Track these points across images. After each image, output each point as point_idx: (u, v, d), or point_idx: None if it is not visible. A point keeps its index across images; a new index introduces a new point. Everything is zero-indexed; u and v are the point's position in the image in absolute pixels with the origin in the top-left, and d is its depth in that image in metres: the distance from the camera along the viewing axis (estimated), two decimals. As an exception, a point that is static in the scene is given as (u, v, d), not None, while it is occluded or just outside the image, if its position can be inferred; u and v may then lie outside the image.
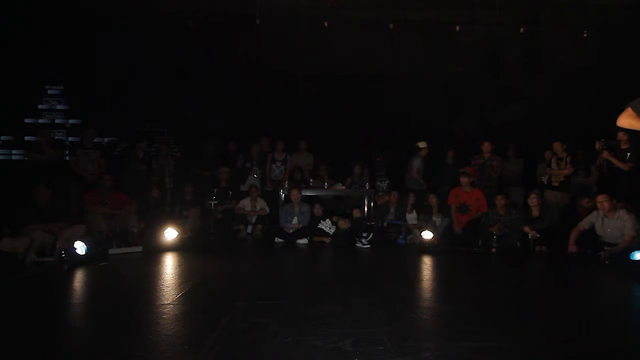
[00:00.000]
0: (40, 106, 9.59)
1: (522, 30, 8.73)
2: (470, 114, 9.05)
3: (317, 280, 4.64)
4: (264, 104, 8.85)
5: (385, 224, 7.06)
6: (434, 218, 6.99)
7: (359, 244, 6.31)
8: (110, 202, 6.24)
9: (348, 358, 2.40)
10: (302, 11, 8.52)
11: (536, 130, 8.64)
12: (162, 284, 4.10)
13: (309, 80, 9.09)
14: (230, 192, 7.51)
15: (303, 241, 6.55)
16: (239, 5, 8.39)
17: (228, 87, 8.91)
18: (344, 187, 7.82)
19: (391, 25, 8.62)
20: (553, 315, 3.32)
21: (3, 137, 9.38)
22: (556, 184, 6.88)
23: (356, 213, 7.20)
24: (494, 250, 6.13)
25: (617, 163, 6.11)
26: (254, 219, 7.24)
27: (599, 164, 6.70)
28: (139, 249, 5.57)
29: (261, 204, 7.36)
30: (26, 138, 9.17)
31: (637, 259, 4.79)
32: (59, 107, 9.65)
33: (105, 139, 9.33)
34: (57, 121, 9.61)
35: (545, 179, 7.10)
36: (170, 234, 5.87)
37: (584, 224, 5.73)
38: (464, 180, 6.96)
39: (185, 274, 4.57)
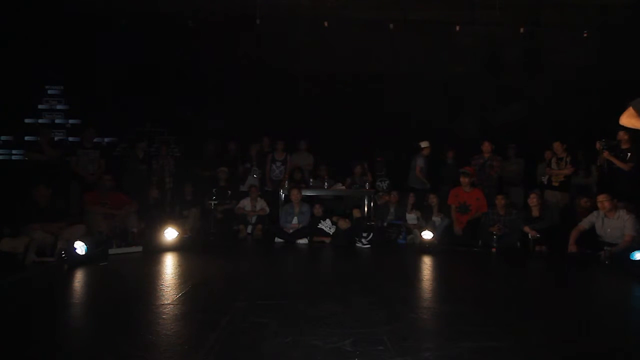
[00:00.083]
0: (40, 106, 9.58)
1: (522, 30, 8.74)
2: (470, 114, 9.05)
3: (317, 280, 4.64)
4: (264, 104, 8.85)
5: (385, 224, 7.05)
6: (434, 218, 6.98)
7: (359, 244, 6.31)
8: (110, 202, 6.24)
9: (348, 358, 2.40)
10: (302, 11, 8.52)
11: (536, 130, 8.63)
12: (162, 284, 4.10)
13: (309, 80, 9.09)
14: (230, 192, 7.50)
15: (303, 241, 6.55)
16: (239, 5, 8.39)
17: (228, 87, 8.91)
18: (344, 187, 7.82)
19: (391, 25, 8.62)
20: (553, 315, 3.32)
21: (3, 137, 9.38)
22: (556, 184, 6.88)
23: (356, 213, 7.20)
24: (494, 250, 6.13)
25: (617, 163, 6.11)
26: (254, 219, 7.24)
27: (600, 164, 6.70)
28: (139, 249, 5.57)
29: (261, 204, 7.36)
30: (26, 138, 9.17)
31: (637, 259, 4.79)
32: (59, 107, 9.65)
33: (105, 139, 9.33)
34: (57, 121, 9.60)
35: (545, 179, 7.10)
36: (170, 234, 5.87)
37: (584, 224, 5.73)
38: (464, 180, 6.96)
39: (185, 274, 4.57)
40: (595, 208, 5.75)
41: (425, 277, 4.82)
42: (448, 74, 9.05)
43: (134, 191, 6.91)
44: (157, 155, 7.99)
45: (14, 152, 9.33)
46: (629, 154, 6.07)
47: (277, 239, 6.61)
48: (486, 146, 7.48)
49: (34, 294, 3.92)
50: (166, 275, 4.57)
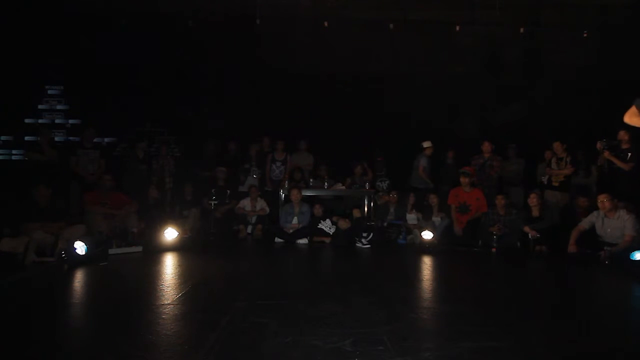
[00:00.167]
0: (40, 106, 9.59)
1: (522, 30, 8.74)
2: (470, 114, 9.05)
3: (317, 280, 4.64)
4: (264, 104, 8.85)
5: (385, 224, 7.05)
6: (434, 218, 6.98)
7: (359, 244, 6.31)
8: (110, 202, 6.25)
9: (348, 358, 2.40)
10: (302, 11, 8.52)
11: (536, 130, 8.63)
12: (162, 284, 4.10)
13: (309, 80, 9.09)
14: (228, 191, 7.50)
15: (303, 241, 6.55)
16: (239, 5, 8.40)
17: (228, 87, 8.91)
18: (344, 187, 7.82)
19: (391, 25, 8.62)
20: (553, 315, 3.32)
21: (3, 137, 9.39)
22: (556, 184, 6.88)
23: (356, 213, 7.20)
24: (494, 250, 6.13)
25: (618, 163, 6.10)
26: (254, 219, 7.24)
27: (600, 163, 6.70)
28: (139, 249, 5.57)
29: (261, 204, 7.36)
30: (26, 138, 9.18)
31: (637, 259, 4.79)
32: (59, 107, 9.65)
33: (105, 139, 9.33)
34: (57, 121, 9.61)
35: (545, 179, 7.10)
36: (170, 234, 5.87)
37: (584, 223, 5.72)
38: (464, 180, 6.96)
39: (185, 274, 4.57)
40: (594, 208, 5.75)
41: (425, 277, 4.82)
42: (448, 74, 9.05)
43: (134, 191, 6.90)
44: (157, 155, 7.99)
45: (14, 152, 9.33)
46: (629, 153, 6.07)
47: (277, 239, 6.61)
48: (486, 146, 7.48)
49: (34, 294, 3.92)
50: (166, 275, 4.57)
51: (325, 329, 2.80)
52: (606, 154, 6.19)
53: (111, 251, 5.31)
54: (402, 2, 8.64)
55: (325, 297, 3.61)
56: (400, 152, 8.39)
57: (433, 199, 7.10)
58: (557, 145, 6.87)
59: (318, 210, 6.86)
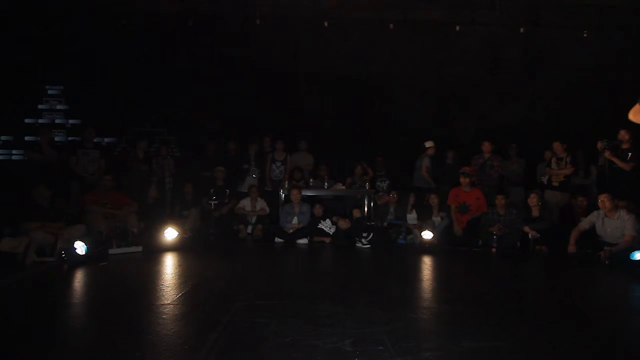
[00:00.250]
0: (40, 106, 9.58)
1: (522, 30, 8.73)
2: (470, 114, 9.05)
3: (317, 280, 4.65)
4: (264, 104, 8.85)
5: (385, 224, 7.05)
6: (434, 218, 6.98)
7: (359, 244, 6.31)
8: (110, 202, 6.24)
9: (348, 358, 2.40)
10: (302, 11, 8.52)
11: (536, 130, 8.63)
12: (162, 284, 4.10)
13: (309, 80, 9.09)
14: (227, 191, 7.50)
15: (303, 241, 6.55)
16: (239, 5, 8.39)
17: (228, 87, 8.91)
18: (344, 187, 7.82)
19: (391, 25, 8.62)
20: (553, 315, 3.32)
21: (3, 137, 9.38)
22: (556, 184, 6.88)
23: (356, 213, 7.20)
24: (494, 250, 6.13)
25: (619, 163, 6.10)
26: (254, 219, 7.23)
27: (601, 164, 6.69)
28: (139, 249, 5.57)
29: (261, 204, 7.36)
30: (26, 138, 9.17)
31: (637, 259, 4.79)
32: (59, 107, 9.64)
33: (105, 139, 9.33)
34: (57, 121, 9.60)
35: (545, 179, 7.10)
36: (170, 234, 5.87)
37: (585, 223, 5.72)
38: (464, 180, 6.96)
39: (185, 274, 4.57)
40: (593, 207, 5.75)
41: (425, 277, 4.82)
42: (448, 74, 9.05)
43: (134, 191, 6.90)
44: (157, 155, 7.99)
45: (14, 152, 9.32)
46: (630, 153, 6.07)
47: (277, 239, 6.61)
48: (486, 146, 7.48)
49: (34, 294, 3.92)
50: (166, 275, 4.57)
51: (325, 329, 2.80)
52: (607, 154, 6.19)
53: (111, 251, 5.32)
54: (402, 2, 8.63)
55: (325, 297, 3.61)
56: (400, 152, 8.39)
57: (433, 199, 7.10)
58: (557, 145, 6.87)
59: (318, 210, 6.86)
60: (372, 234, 6.35)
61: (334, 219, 6.74)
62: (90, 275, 4.43)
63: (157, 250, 5.60)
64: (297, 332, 2.74)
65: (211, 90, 8.97)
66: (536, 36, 8.92)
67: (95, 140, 7.59)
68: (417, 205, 7.22)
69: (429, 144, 7.80)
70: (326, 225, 6.72)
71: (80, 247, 4.77)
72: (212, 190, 7.28)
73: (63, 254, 4.61)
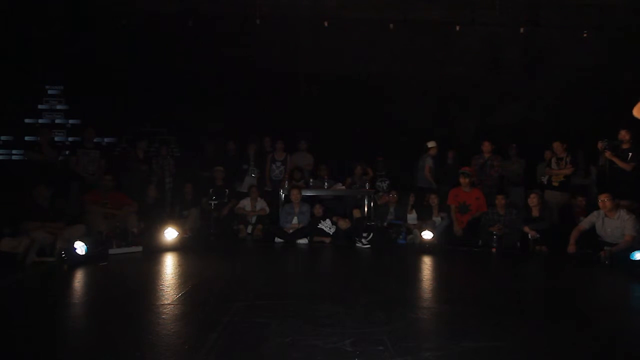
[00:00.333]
0: (40, 106, 9.59)
1: (522, 30, 8.73)
2: (470, 114, 9.05)
3: (317, 280, 4.64)
4: (264, 104, 8.84)
5: (385, 224, 7.05)
6: (434, 218, 6.98)
7: (359, 244, 6.31)
8: (110, 202, 6.24)
9: (348, 358, 2.40)
10: (302, 11, 8.52)
11: (536, 130, 8.63)
12: (162, 284, 4.10)
13: (309, 80, 9.08)
14: (227, 191, 7.50)
15: (303, 241, 6.55)
16: (239, 5, 8.39)
17: (228, 87, 8.90)
18: (344, 187, 7.82)
19: (391, 25, 8.62)
20: (553, 315, 3.32)
21: (3, 137, 9.38)
22: (556, 184, 6.87)
23: (356, 213, 7.20)
24: (494, 250, 6.12)
25: (619, 163, 6.09)
26: (254, 219, 7.23)
27: (602, 164, 6.69)
28: (139, 249, 5.57)
29: (261, 204, 7.36)
30: (26, 138, 9.17)
31: (637, 259, 4.79)
32: (59, 107, 9.65)
33: (105, 139, 9.33)
34: (57, 121, 9.61)
35: (545, 179, 7.10)
36: (170, 234, 5.87)
37: (585, 223, 5.72)
38: (463, 181, 6.96)
39: (185, 274, 4.57)
40: (593, 207, 5.74)
41: (425, 277, 4.82)
42: (448, 74, 9.05)
43: (134, 191, 6.90)
44: (157, 155, 7.99)
45: (14, 152, 9.33)
46: (630, 153, 6.06)
47: (277, 239, 6.60)
48: (486, 146, 7.47)
49: (34, 294, 3.92)
50: (166, 275, 4.57)
51: (325, 329, 2.80)
52: (607, 154, 6.18)
53: (111, 251, 5.32)
54: (402, 2, 8.63)
55: (325, 297, 3.61)
56: (400, 152, 8.39)
57: (433, 199, 7.10)
58: (557, 145, 6.87)
59: (318, 210, 6.86)
60: (372, 234, 6.35)
61: (334, 219, 6.74)
62: (90, 275, 4.43)
63: (157, 250, 5.60)
64: (297, 332, 2.74)
65: (211, 90, 8.98)
66: (536, 36, 8.91)
67: (95, 140, 7.59)
68: (417, 205, 7.22)
69: (431, 144, 7.79)
70: (326, 225, 6.71)
71: (80, 247, 4.77)
72: (211, 190, 7.28)
73: (63, 254, 4.61)
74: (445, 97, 9.08)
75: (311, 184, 7.80)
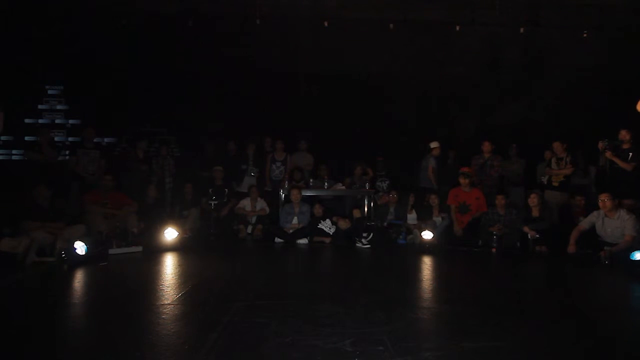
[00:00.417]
0: (40, 106, 9.60)
1: (522, 30, 8.73)
2: (470, 114, 9.05)
3: (317, 280, 4.64)
4: (264, 104, 8.84)
5: (385, 224, 7.05)
6: (434, 218, 6.98)
7: (359, 244, 6.30)
8: (110, 202, 6.24)
9: (348, 358, 2.40)
10: (302, 11, 8.52)
11: (536, 130, 8.63)
12: (162, 284, 4.10)
13: (309, 80, 9.08)
14: (227, 190, 7.50)
15: (303, 241, 6.54)
16: (239, 5, 8.39)
17: (228, 87, 8.90)
18: (344, 187, 7.82)
19: (391, 25, 8.62)
20: (553, 315, 3.32)
21: (3, 137, 9.39)
22: (556, 184, 6.87)
23: (356, 213, 7.20)
24: (494, 250, 6.12)
25: (620, 163, 6.10)
26: (254, 219, 7.23)
27: (602, 164, 6.69)
28: (139, 249, 5.57)
29: (261, 204, 7.36)
30: (26, 138, 9.18)
31: (637, 259, 4.79)
32: (59, 107, 9.66)
33: (105, 139, 9.33)
34: (57, 121, 9.62)
35: (545, 179, 7.10)
36: (170, 234, 5.87)
37: (584, 223, 5.72)
38: (463, 181, 6.95)
39: (185, 274, 4.57)
40: (591, 207, 5.74)
41: (425, 277, 4.82)
42: (448, 74, 9.05)
43: (134, 191, 6.90)
44: (157, 155, 7.99)
45: (14, 152, 9.33)
46: (631, 153, 6.06)
47: (277, 239, 6.60)
48: (486, 146, 7.47)
49: (34, 294, 3.92)
50: (166, 275, 4.57)
51: (325, 329, 2.80)
52: (608, 154, 6.18)
53: (111, 251, 5.31)
54: (402, 2, 8.63)
55: (325, 297, 3.61)
56: (400, 152, 8.39)
57: (434, 199, 7.10)
58: (557, 145, 6.87)
59: (318, 210, 6.86)
60: (372, 234, 6.35)
61: (334, 219, 6.73)
62: (90, 275, 4.43)
63: (157, 250, 5.60)
64: (297, 332, 2.74)
65: (211, 90, 8.98)
66: (536, 36, 8.91)
67: (95, 140, 7.60)
68: (417, 205, 7.22)
69: (434, 144, 7.77)
70: (326, 225, 6.71)
71: (80, 247, 4.77)
72: (210, 190, 7.28)
73: (63, 254, 4.61)
74: (445, 97, 9.09)
75: (311, 184, 7.80)
